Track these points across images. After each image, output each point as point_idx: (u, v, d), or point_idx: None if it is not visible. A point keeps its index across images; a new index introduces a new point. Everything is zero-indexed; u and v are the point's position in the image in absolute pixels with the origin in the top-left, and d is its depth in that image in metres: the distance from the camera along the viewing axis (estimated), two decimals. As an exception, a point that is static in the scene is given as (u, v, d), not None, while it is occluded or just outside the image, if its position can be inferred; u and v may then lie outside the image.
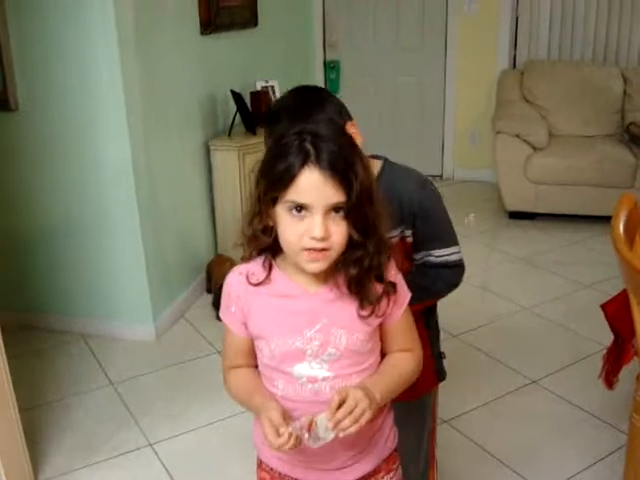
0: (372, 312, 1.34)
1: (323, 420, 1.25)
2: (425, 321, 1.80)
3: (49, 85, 3.16)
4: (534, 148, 4.90)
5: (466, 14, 5.67)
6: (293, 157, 1.23)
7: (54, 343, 3.48)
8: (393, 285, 1.38)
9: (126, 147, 3.17)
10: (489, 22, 5.67)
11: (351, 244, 1.29)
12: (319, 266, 1.28)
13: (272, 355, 1.37)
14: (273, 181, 1.26)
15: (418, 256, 1.73)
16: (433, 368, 1.87)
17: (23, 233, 3.46)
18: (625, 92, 5.32)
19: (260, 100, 4.19)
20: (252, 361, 1.45)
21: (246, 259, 1.39)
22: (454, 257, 1.72)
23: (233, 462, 2.60)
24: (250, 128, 4.03)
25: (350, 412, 1.24)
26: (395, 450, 1.53)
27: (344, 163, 1.24)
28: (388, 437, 1.50)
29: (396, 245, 1.64)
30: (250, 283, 1.36)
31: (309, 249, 1.26)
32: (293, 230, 1.26)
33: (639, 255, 1.63)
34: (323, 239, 1.24)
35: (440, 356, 1.92)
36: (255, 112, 4.12)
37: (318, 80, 6.04)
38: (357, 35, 5.97)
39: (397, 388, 1.41)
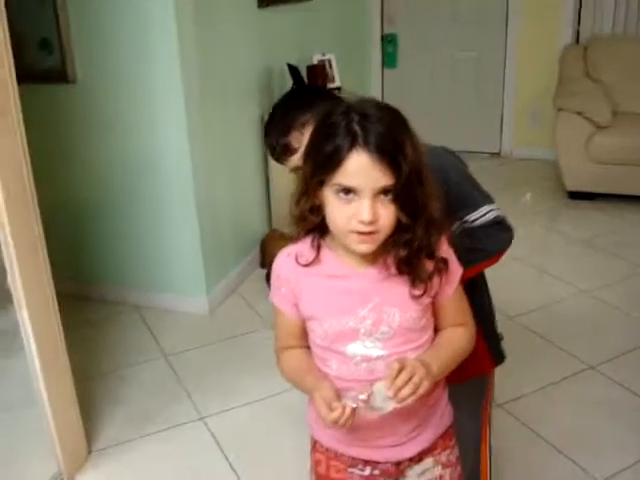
0: (425, 291, 1.33)
1: (381, 388, 1.24)
2: (471, 299, 1.73)
3: (107, 59, 3.17)
4: (597, 126, 4.74)
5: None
6: (340, 139, 1.21)
7: (108, 314, 3.52)
8: (445, 261, 1.36)
9: (183, 121, 3.16)
10: (552, -5, 5.49)
11: (400, 226, 1.27)
12: (368, 247, 1.27)
13: (325, 335, 1.36)
14: (320, 163, 1.24)
15: (454, 228, 1.63)
16: (486, 351, 1.80)
17: (80, 204, 3.50)
18: (693, 68, 5.11)
19: (316, 74, 4.15)
20: (304, 342, 1.44)
21: (294, 239, 1.38)
22: (490, 215, 1.64)
23: (285, 438, 2.59)
24: (306, 102, 3.98)
25: (409, 380, 1.23)
26: (451, 426, 1.52)
27: (393, 145, 1.21)
28: (444, 412, 1.50)
29: None
30: (299, 264, 1.35)
31: (357, 232, 1.24)
32: (341, 213, 1.24)
33: None
34: (371, 223, 1.23)
35: (497, 338, 1.86)
36: (312, 85, 4.07)
37: (375, 53, 5.98)
38: (415, 8, 5.86)
39: (452, 362, 1.40)
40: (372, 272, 1.33)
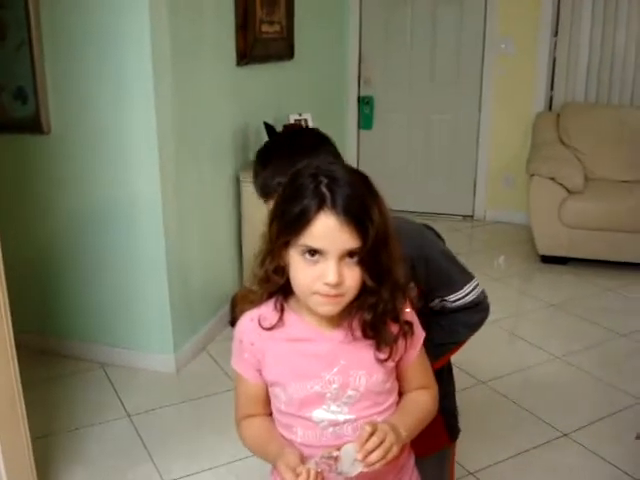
0: (390, 355, 1.32)
1: (350, 451, 1.21)
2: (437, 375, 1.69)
3: (82, 112, 3.14)
4: (569, 192, 4.79)
5: (503, 54, 5.62)
6: (308, 200, 1.21)
7: (73, 370, 3.42)
8: (410, 325, 1.36)
9: (156, 175, 3.14)
10: (526, 63, 5.61)
11: (365, 289, 1.27)
12: (331, 309, 1.27)
13: (290, 401, 1.34)
14: (287, 224, 1.23)
15: (434, 304, 1.67)
16: (443, 425, 1.77)
17: (48, 256, 3.43)
18: (663, 137, 5.21)
19: (292, 133, 4.15)
20: (266, 410, 1.42)
21: (257, 302, 1.35)
22: (471, 297, 1.67)
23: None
24: (281, 161, 3.98)
25: (380, 444, 1.21)
26: None
27: (360, 209, 1.22)
28: (411, 479, 1.47)
29: None
30: (263, 328, 1.33)
31: (322, 293, 1.24)
32: (306, 274, 1.24)
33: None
34: (336, 285, 1.22)
35: (455, 413, 1.83)
36: (287, 145, 4.08)
37: (352, 115, 6.03)
38: (392, 71, 5.94)
39: (419, 426, 1.39)
40: (337, 335, 1.32)
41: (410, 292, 1.37)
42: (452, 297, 1.65)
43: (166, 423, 3.02)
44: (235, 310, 3.78)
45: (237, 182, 3.93)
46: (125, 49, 3.00)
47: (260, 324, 1.33)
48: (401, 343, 1.34)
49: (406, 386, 1.42)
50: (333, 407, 1.32)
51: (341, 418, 1.32)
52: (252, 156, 4.08)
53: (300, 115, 4.42)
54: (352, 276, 1.24)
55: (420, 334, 1.40)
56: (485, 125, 5.83)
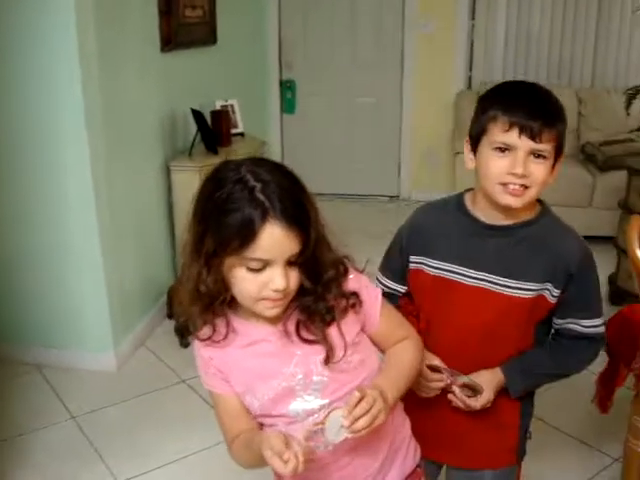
0: (331, 354, 1.28)
1: (338, 418, 1.19)
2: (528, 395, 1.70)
3: (8, 106, 3.01)
4: (493, 168, 4.89)
5: (422, 34, 5.67)
6: (249, 211, 1.16)
7: (7, 374, 3.27)
8: (356, 295, 1.33)
9: (87, 170, 3.04)
10: (445, 44, 5.69)
11: (302, 289, 1.26)
12: (278, 311, 1.26)
13: (262, 404, 1.32)
14: (227, 239, 1.17)
15: (559, 322, 1.61)
16: (515, 443, 1.72)
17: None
18: (579, 113, 5.39)
19: (221, 119, 4.08)
20: (250, 422, 1.36)
21: (200, 325, 1.29)
22: (601, 329, 1.61)
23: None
24: (211, 147, 3.91)
25: (368, 411, 1.19)
26: (418, 466, 1.49)
27: (300, 211, 1.20)
28: (408, 452, 1.46)
29: (527, 302, 1.55)
30: (216, 342, 1.30)
31: (270, 299, 1.22)
32: (252, 284, 1.21)
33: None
34: (284, 290, 1.21)
35: (526, 434, 1.76)
36: (216, 131, 4.01)
37: (274, 99, 5.98)
38: (313, 55, 5.92)
39: (408, 379, 1.39)
40: (281, 327, 1.30)
41: (348, 261, 1.34)
42: (588, 322, 1.59)
43: (112, 422, 2.93)
44: (172, 302, 3.69)
45: (167, 171, 3.83)
46: (50, 40, 2.88)
47: (213, 340, 1.30)
48: (351, 317, 1.32)
49: (384, 345, 1.41)
50: (306, 396, 1.31)
51: (316, 405, 1.31)
52: (181, 144, 4.03)
53: (226, 101, 4.36)
54: (294, 277, 1.22)
55: (375, 293, 1.39)
56: (407, 106, 5.88)
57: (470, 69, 5.82)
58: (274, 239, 1.16)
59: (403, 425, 1.47)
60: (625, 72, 5.70)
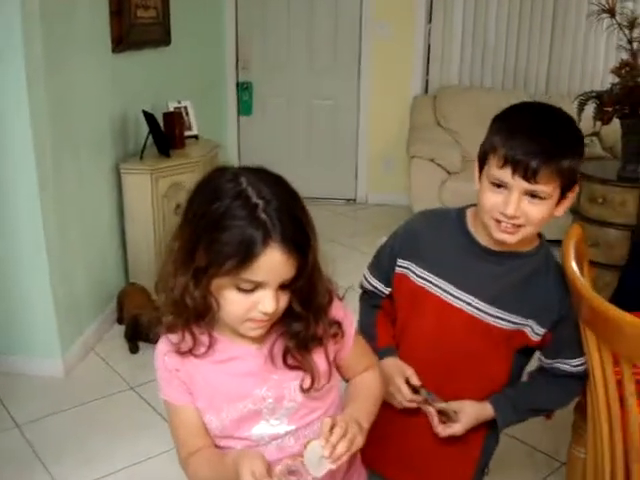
0: (312, 384, 1.25)
1: (315, 449, 1.13)
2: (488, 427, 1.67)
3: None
4: (448, 172, 4.93)
5: (379, 38, 5.68)
6: (249, 231, 1.09)
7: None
8: (339, 324, 1.30)
9: (33, 174, 2.96)
10: (402, 47, 5.71)
11: (291, 314, 1.22)
12: (262, 332, 1.22)
13: (223, 425, 1.27)
14: (221, 258, 1.11)
15: (548, 362, 1.59)
16: (470, 476, 1.72)
17: None
18: (534, 119, 5.44)
19: (173, 121, 4.04)
20: (209, 439, 1.30)
21: (172, 328, 1.25)
22: (585, 366, 1.58)
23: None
24: (163, 150, 3.86)
25: (343, 436, 1.14)
26: None
27: (302, 236, 1.15)
28: (360, 473, 1.46)
29: (505, 332, 1.53)
30: (184, 353, 1.24)
31: (256, 320, 1.18)
32: (241, 304, 1.16)
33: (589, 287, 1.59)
34: (273, 313, 1.17)
35: (484, 469, 1.76)
36: (168, 133, 3.97)
37: (231, 101, 5.94)
38: (270, 57, 5.89)
39: (374, 409, 1.35)
40: (264, 350, 1.26)
41: (333, 287, 1.31)
42: (576, 361, 1.57)
43: (59, 430, 2.87)
44: (122, 307, 3.64)
45: (117, 173, 3.78)
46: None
47: (181, 350, 1.24)
48: (331, 346, 1.30)
49: (350, 374, 1.39)
50: (272, 421, 1.27)
51: (282, 430, 1.27)
52: (132, 146, 3.98)
53: (179, 102, 4.32)
54: (284, 300, 1.18)
55: (351, 320, 1.36)
56: (364, 109, 5.89)
57: (427, 73, 5.85)
58: (273, 263, 1.11)
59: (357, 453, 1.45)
60: (580, 78, 5.78)
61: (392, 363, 1.61)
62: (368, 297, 1.76)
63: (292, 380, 1.26)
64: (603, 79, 5.51)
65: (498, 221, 1.43)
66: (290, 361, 1.25)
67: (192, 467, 1.27)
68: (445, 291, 1.55)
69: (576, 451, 2.00)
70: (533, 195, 1.39)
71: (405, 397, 1.55)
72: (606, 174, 3.93)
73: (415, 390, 1.57)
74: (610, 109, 3.93)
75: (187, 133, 4.25)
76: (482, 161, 1.47)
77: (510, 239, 1.45)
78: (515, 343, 1.55)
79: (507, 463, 2.67)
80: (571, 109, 4.04)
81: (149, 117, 3.81)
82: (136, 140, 4.00)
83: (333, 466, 1.13)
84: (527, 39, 5.70)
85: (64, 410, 3.00)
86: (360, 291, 1.79)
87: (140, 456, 2.70)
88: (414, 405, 1.56)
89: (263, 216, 1.10)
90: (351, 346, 1.35)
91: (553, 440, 2.75)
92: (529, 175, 1.35)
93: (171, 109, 4.20)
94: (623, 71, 3.94)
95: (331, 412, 1.31)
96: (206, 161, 4.04)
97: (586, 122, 3.94)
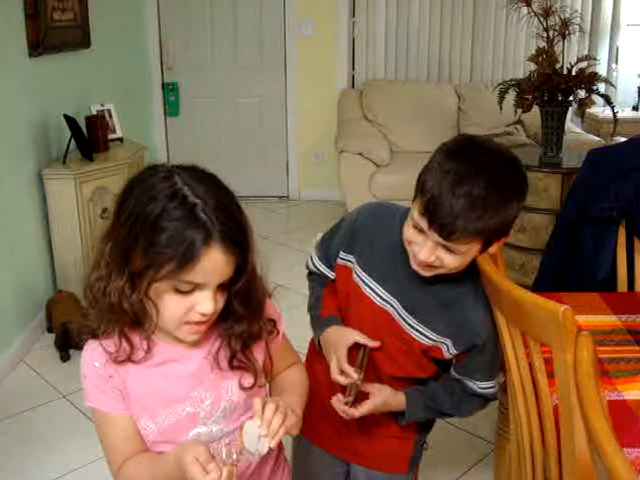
0: (255, 381, 1.25)
1: (253, 428, 1.12)
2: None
3: None
4: (377, 165, 4.97)
5: (303, 35, 5.70)
6: (189, 233, 1.06)
7: None
8: (273, 323, 1.31)
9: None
10: (326, 43, 5.73)
11: (231, 315, 1.20)
12: (198, 336, 1.20)
13: (160, 430, 1.23)
14: (159, 261, 1.07)
15: (456, 376, 1.58)
16: (409, 454, 1.73)
17: None
18: (459, 108, 5.55)
19: (96, 124, 3.98)
20: (144, 445, 1.25)
21: (105, 334, 1.20)
22: (493, 390, 1.60)
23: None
24: (87, 154, 3.80)
25: (276, 410, 1.13)
26: None
27: (241, 236, 1.12)
28: (284, 469, 1.46)
29: (421, 345, 1.53)
30: (120, 362, 1.19)
31: (192, 322, 1.15)
32: (178, 306, 1.12)
33: (501, 271, 1.64)
34: (212, 314, 1.14)
35: (422, 446, 1.78)
36: (91, 137, 3.91)
37: (157, 102, 5.87)
38: (195, 57, 5.84)
39: (303, 403, 1.34)
40: (200, 351, 1.23)
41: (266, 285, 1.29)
42: (483, 384, 1.57)
43: (-11, 444, 2.81)
44: (52, 315, 3.58)
45: (40, 180, 3.70)
46: None
47: (117, 360, 1.19)
48: (263, 349, 1.30)
49: (275, 370, 1.37)
50: (209, 424, 1.25)
51: (219, 434, 1.26)
52: (55, 152, 3.90)
53: (102, 105, 4.25)
54: (221, 301, 1.15)
55: (282, 321, 1.35)
56: (292, 105, 5.89)
57: (353, 67, 5.88)
58: (214, 263, 1.08)
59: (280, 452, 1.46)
60: (502, 67, 5.89)
61: (335, 330, 1.60)
62: (314, 276, 1.76)
63: (229, 379, 1.24)
64: (525, 68, 5.63)
65: (415, 257, 1.42)
66: (236, 363, 1.23)
67: (129, 471, 1.22)
68: (374, 292, 1.55)
69: (502, 431, 2.05)
70: (448, 248, 1.35)
71: (333, 372, 1.54)
72: (529, 161, 4.01)
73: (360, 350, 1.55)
74: (529, 97, 4.02)
75: (111, 136, 4.19)
76: (416, 188, 1.41)
77: (424, 274, 1.44)
78: (432, 355, 1.56)
79: (447, 448, 2.73)
80: (495, 98, 4.14)
81: (70, 121, 3.75)
82: (59, 145, 3.93)
83: (272, 443, 1.12)
84: (450, 30, 5.78)
85: (-7, 423, 2.94)
86: (307, 271, 1.78)
87: (74, 464, 2.67)
88: (341, 382, 1.53)
89: (202, 216, 1.07)
90: (279, 344, 1.35)
91: (490, 425, 2.80)
92: (444, 235, 1.32)
93: (94, 112, 4.13)
94: (540, 58, 4.03)
95: None
96: (131, 164, 4.00)
97: (508, 110, 4.07)
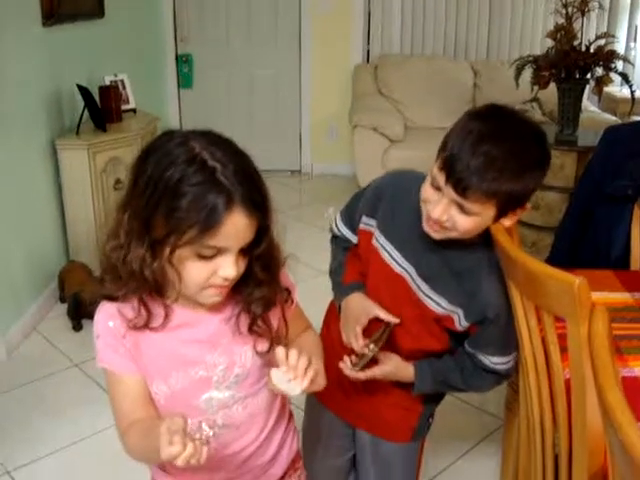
0: (270, 346, 1.24)
1: (278, 374, 1.12)
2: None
3: None
4: (391, 141, 4.95)
5: (318, 8, 5.64)
6: (211, 197, 1.05)
7: None
8: (289, 292, 1.31)
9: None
10: (342, 16, 5.68)
11: (252, 280, 1.19)
12: (220, 298, 1.18)
13: (172, 393, 1.23)
14: (182, 227, 1.06)
15: (469, 350, 1.58)
16: (413, 425, 1.74)
17: None
18: (475, 84, 5.50)
19: (109, 95, 3.97)
20: (153, 410, 1.24)
21: (121, 298, 1.19)
22: (507, 366, 1.59)
23: (102, 482, 2.43)
24: (100, 125, 3.80)
25: (299, 356, 1.13)
26: (298, 452, 1.50)
27: (262, 197, 1.12)
28: (293, 439, 1.46)
29: (434, 314, 1.53)
30: (138, 328, 1.19)
31: (215, 286, 1.14)
32: (201, 271, 1.11)
33: (516, 244, 1.63)
34: (234, 279, 1.14)
35: (428, 419, 1.77)
36: (104, 108, 3.90)
37: (171, 74, 5.85)
38: (209, 28, 5.81)
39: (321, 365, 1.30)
40: (217, 316, 1.23)
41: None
42: (496, 359, 1.56)
43: (1, 411, 2.83)
44: (64, 285, 3.59)
45: (53, 150, 3.70)
46: None
47: (136, 326, 1.18)
48: (279, 315, 1.29)
49: (290, 336, 1.36)
50: (222, 389, 1.25)
51: (231, 399, 1.26)
52: (68, 122, 3.90)
53: (116, 76, 4.24)
54: (243, 265, 1.15)
55: (293, 285, 1.35)
56: (306, 79, 5.85)
57: (368, 41, 5.83)
58: (237, 228, 1.08)
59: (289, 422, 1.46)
60: (519, 44, 5.83)
61: (356, 300, 1.62)
62: (338, 240, 1.77)
63: (242, 345, 1.24)
64: (542, 44, 5.56)
65: (427, 216, 1.42)
66: (255, 328, 1.23)
67: (130, 439, 1.20)
68: (393, 258, 1.56)
69: (512, 406, 2.05)
70: (462, 207, 1.35)
71: (349, 337, 1.56)
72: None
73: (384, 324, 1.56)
74: (546, 73, 3.98)
75: (124, 107, 4.18)
76: (439, 148, 1.41)
77: (435, 235, 1.43)
78: (445, 325, 1.56)
79: (454, 422, 2.74)
80: (510, 75, 4.10)
81: (84, 91, 3.74)
82: (72, 115, 3.92)
83: (304, 384, 1.12)
84: (467, 5, 5.73)
85: (7, 391, 2.97)
86: (330, 235, 1.80)
87: (85, 432, 2.69)
88: (355, 348, 1.56)
89: (223, 179, 1.07)
90: (293, 311, 1.35)
91: (499, 401, 2.81)
92: (459, 190, 1.32)
93: (107, 83, 4.12)
94: (558, 35, 3.99)
95: None
96: (145, 135, 3.99)
97: (525, 87, 4.03)
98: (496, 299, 1.50)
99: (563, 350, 1.36)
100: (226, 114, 5.88)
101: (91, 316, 3.59)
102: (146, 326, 1.19)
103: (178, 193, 1.06)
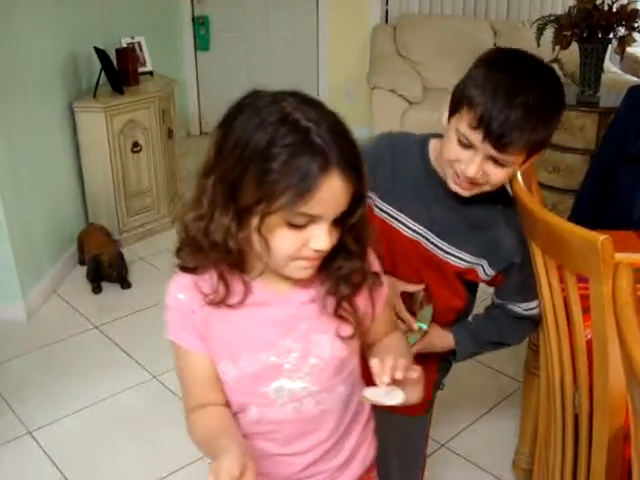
0: (355, 332, 1.15)
1: (374, 392, 1.07)
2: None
3: None
4: (409, 102, 4.89)
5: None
6: (305, 159, 0.96)
7: None
8: (377, 276, 1.19)
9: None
10: (360, -24, 5.58)
11: (341, 253, 1.09)
12: (310, 272, 1.08)
13: (241, 375, 1.13)
14: (275, 192, 0.97)
15: (499, 302, 1.59)
16: (428, 397, 1.72)
17: None
18: (495, 45, 5.39)
19: (127, 57, 3.95)
20: (222, 396, 1.17)
21: (196, 269, 1.11)
22: (536, 310, 1.59)
23: (121, 443, 2.47)
24: (117, 87, 3.78)
25: (394, 359, 1.07)
26: (374, 460, 1.37)
27: (357, 159, 1.02)
28: (370, 445, 1.35)
29: (456, 269, 1.52)
30: (216, 304, 1.10)
31: (306, 258, 1.05)
32: (291, 242, 1.02)
33: (538, 202, 1.60)
34: (327, 250, 1.05)
35: (439, 386, 1.77)
36: (122, 70, 3.88)
37: (187, 36, 5.80)
38: (226, -10, 5.74)
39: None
40: (298, 296, 1.13)
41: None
42: (527, 305, 1.58)
43: (23, 372, 2.87)
44: (83, 247, 3.61)
45: (71, 112, 3.69)
46: None
47: (213, 302, 1.10)
48: (366, 300, 1.18)
49: (375, 338, 1.25)
50: (294, 379, 1.15)
51: (303, 391, 1.15)
52: (85, 84, 3.88)
53: (132, 38, 4.21)
54: (335, 237, 1.05)
55: (384, 282, 1.23)
56: (324, 42, 5.78)
57: (386, 2, 5.74)
58: (332, 192, 0.98)
59: (369, 425, 1.35)
60: (540, 3, 5.72)
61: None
62: None
63: (321, 333, 1.14)
64: (563, 4, 5.46)
65: (457, 174, 1.39)
66: (340, 311, 1.13)
67: (193, 422, 1.15)
68: (402, 223, 1.52)
69: (531, 367, 2.05)
70: (497, 161, 1.33)
71: (401, 313, 1.54)
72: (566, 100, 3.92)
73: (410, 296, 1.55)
74: (569, 33, 3.91)
75: (141, 69, 4.16)
76: (455, 104, 1.36)
77: (464, 193, 1.41)
78: (467, 278, 1.55)
79: (471, 385, 2.74)
80: (533, 35, 4.03)
81: (101, 53, 3.72)
82: (89, 78, 3.91)
83: (405, 393, 1.06)
84: (486, -35, 5.60)
85: (27, 353, 3.00)
86: None
87: (105, 393, 2.72)
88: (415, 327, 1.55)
89: (318, 140, 0.97)
90: (382, 307, 1.23)
91: (517, 363, 2.81)
92: (499, 146, 1.29)
93: (124, 45, 4.10)
94: (581, -7, 3.91)
95: (353, 377, 1.23)
96: (162, 97, 3.97)
97: (546, 48, 3.95)
98: (519, 244, 1.49)
99: (585, 311, 1.34)
100: (243, 76, 5.83)
101: (110, 279, 3.61)
102: (223, 302, 1.11)
103: (269, 155, 0.97)
